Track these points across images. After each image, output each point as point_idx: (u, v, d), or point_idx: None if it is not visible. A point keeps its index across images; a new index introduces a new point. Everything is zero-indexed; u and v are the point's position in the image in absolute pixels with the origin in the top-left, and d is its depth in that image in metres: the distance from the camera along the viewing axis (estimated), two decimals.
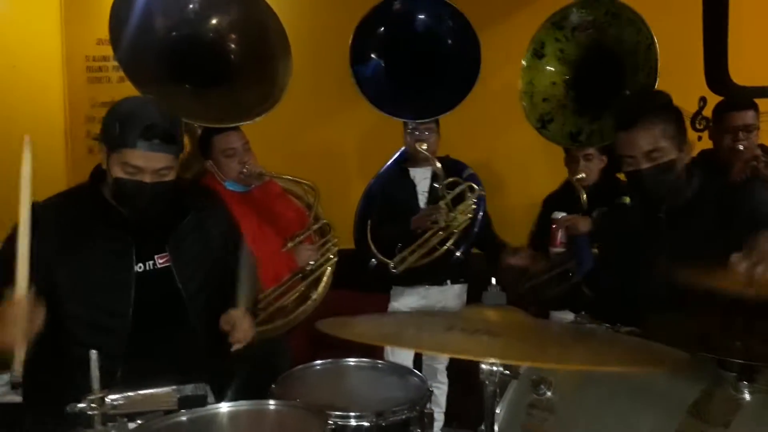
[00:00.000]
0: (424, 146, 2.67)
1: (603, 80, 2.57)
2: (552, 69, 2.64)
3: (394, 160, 2.93)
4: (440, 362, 2.83)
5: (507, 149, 3.44)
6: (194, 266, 1.70)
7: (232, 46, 2.58)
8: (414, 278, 2.73)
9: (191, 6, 2.53)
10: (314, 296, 2.45)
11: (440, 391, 2.86)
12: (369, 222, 2.77)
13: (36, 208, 1.59)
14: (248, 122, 2.40)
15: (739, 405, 1.14)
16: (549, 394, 1.19)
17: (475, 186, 2.73)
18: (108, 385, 1.24)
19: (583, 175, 2.58)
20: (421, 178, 2.80)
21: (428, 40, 2.80)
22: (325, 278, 2.49)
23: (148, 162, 1.53)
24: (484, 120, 3.41)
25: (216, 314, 1.69)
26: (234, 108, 2.42)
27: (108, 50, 4.05)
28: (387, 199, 2.79)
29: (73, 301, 1.58)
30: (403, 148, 2.86)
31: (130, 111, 1.55)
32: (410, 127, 2.71)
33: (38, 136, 4.37)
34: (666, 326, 1.21)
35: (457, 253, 2.70)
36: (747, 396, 1.16)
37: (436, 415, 2.77)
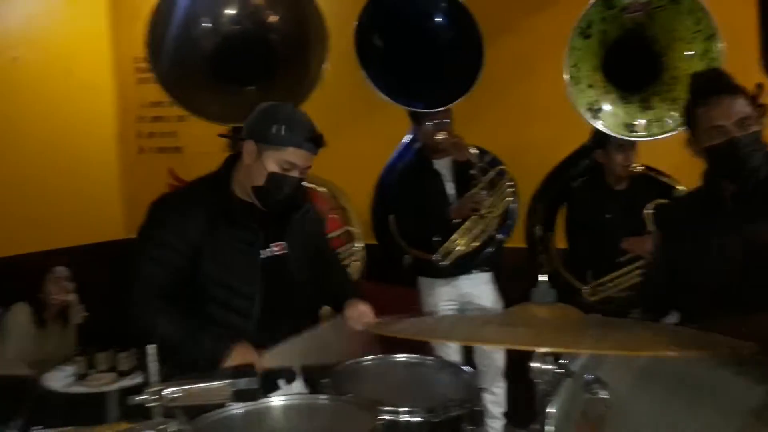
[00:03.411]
0: (442, 135, 2.68)
1: (638, 66, 2.51)
2: (594, 52, 2.56)
3: (407, 152, 2.91)
4: (497, 363, 2.81)
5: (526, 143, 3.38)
6: (304, 257, 1.86)
7: (272, 46, 2.60)
8: (443, 271, 2.72)
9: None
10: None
11: (499, 391, 2.84)
12: (391, 218, 2.75)
13: (181, 195, 1.85)
14: None
15: None
16: (603, 394, 1.17)
17: (505, 170, 2.71)
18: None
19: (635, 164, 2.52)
20: (445, 168, 2.79)
21: (426, 29, 2.82)
22: None
23: (303, 161, 1.70)
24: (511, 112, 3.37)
25: (313, 302, 1.88)
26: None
27: None
28: (413, 193, 2.76)
29: (215, 284, 1.71)
30: (405, 144, 2.88)
31: (291, 115, 1.73)
32: (427, 118, 2.70)
33: (91, 137, 4.56)
34: (733, 323, 1.17)
35: (500, 236, 2.71)
36: None
37: (498, 414, 2.82)
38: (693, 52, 2.43)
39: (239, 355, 1.58)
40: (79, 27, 4.11)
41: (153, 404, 1.26)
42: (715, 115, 1.62)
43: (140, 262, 1.68)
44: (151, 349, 1.28)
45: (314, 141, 1.70)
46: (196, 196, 1.76)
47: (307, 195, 2.00)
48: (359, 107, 3.30)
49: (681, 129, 2.40)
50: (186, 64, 2.50)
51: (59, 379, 2.81)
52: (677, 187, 2.56)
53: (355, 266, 2.50)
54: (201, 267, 1.70)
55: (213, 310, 1.72)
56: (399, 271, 2.81)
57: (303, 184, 1.82)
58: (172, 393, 1.28)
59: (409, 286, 2.90)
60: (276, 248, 1.79)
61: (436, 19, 2.86)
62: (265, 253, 1.77)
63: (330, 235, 2.45)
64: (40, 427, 1.48)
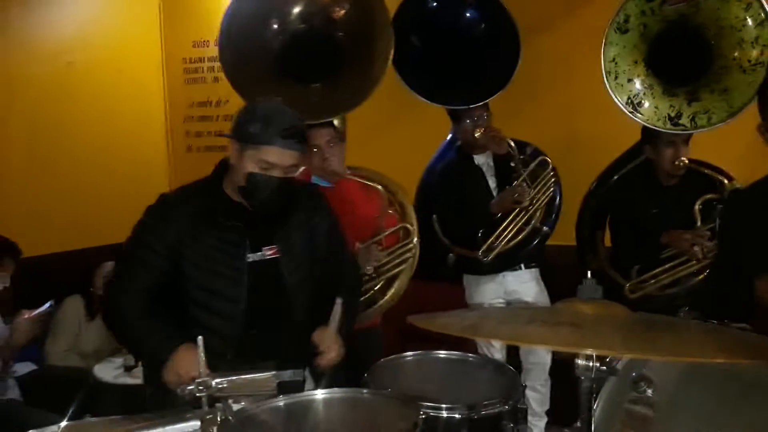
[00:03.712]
0: (480, 131, 2.66)
1: (687, 57, 2.43)
2: (634, 46, 2.49)
3: (448, 151, 2.90)
4: (543, 360, 2.78)
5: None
6: (299, 260, 1.79)
7: (338, 42, 2.60)
8: (488, 268, 2.69)
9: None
10: (381, 301, 2.42)
11: (544, 389, 2.82)
12: (435, 217, 2.73)
13: (167, 198, 1.78)
14: (332, 119, 2.44)
15: None
16: (649, 392, 1.14)
17: (547, 159, 2.66)
18: (219, 366, 1.34)
19: (686, 159, 2.45)
20: (486, 163, 2.77)
21: (460, 26, 2.80)
22: (396, 283, 2.45)
23: (282, 159, 1.64)
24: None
25: (316, 309, 1.77)
26: (324, 105, 2.46)
27: (203, 52, 4.38)
28: (455, 191, 2.75)
29: (196, 287, 1.71)
30: (446, 143, 2.87)
31: (270, 112, 1.66)
32: (465, 116, 2.69)
33: (142, 135, 4.73)
34: None
35: (545, 229, 2.66)
36: None
37: (541, 413, 2.80)
38: (743, 39, 2.33)
39: (180, 362, 1.57)
40: (130, 30, 4.26)
41: (201, 394, 1.29)
42: None
43: (123, 262, 1.72)
44: (200, 341, 1.31)
45: (293, 137, 1.63)
46: (184, 198, 1.75)
47: (320, 197, 1.94)
48: (399, 107, 3.31)
49: (730, 120, 2.35)
50: (254, 63, 2.54)
51: (109, 371, 2.93)
52: (727, 182, 2.48)
53: (409, 264, 2.49)
54: (183, 270, 1.69)
55: (196, 313, 1.70)
56: (444, 269, 2.80)
57: (306, 183, 1.80)
58: (219, 383, 1.32)
59: (454, 283, 2.89)
60: (268, 251, 1.74)
61: (470, 15, 2.85)
62: (254, 256, 1.72)
63: (387, 232, 2.45)
64: (92, 415, 1.54)
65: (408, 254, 2.46)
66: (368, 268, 2.36)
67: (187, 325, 1.69)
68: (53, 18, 3.82)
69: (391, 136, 3.64)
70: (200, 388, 1.28)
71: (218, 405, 1.31)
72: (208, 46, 4.27)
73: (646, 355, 1.13)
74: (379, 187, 2.41)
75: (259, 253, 1.73)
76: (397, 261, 2.45)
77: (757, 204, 1.68)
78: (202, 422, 1.27)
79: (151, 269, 1.70)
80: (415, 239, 2.49)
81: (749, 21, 2.30)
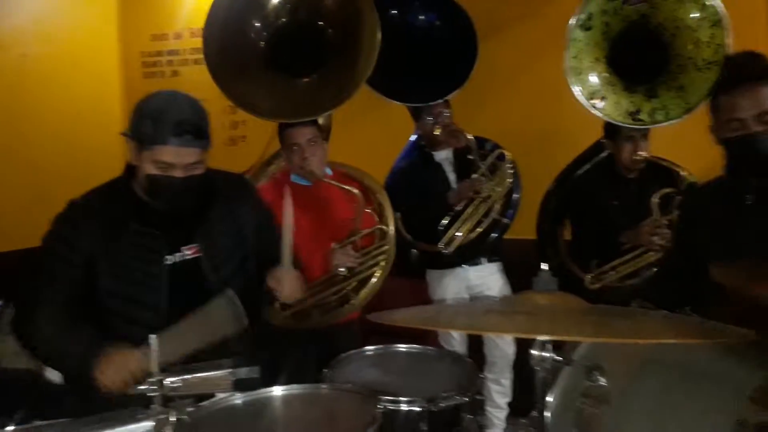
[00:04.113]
0: (438, 131, 2.68)
1: (646, 56, 2.47)
2: (596, 44, 2.53)
3: (411, 151, 2.91)
4: (507, 354, 2.81)
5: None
6: (225, 256, 1.70)
7: (324, 36, 2.55)
8: (450, 261, 2.71)
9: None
10: (353, 301, 2.40)
11: (507, 382, 2.84)
12: (397, 215, 2.73)
13: (75, 206, 1.66)
14: (314, 117, 2.40)
15: None
16: (603, 381, 1.16)
17: (505, 153, 2.70)
18: (143, 378, 1.27)
19: (644, 153, 2.49)
20: (445, 159, 2.79)
21: (416, 25, 2.81)
22: (370, 283, 2.43)
23: (179, 158, 1.54)
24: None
25: (253, 303, 1.69)
26: (307, 103, 2.42)
27: (162, 45, 4.29)
28: (417, 187, 2.76)
29: (113, 296, 1.62)
30: (410, 143, 2.87)
31: (160, 107, 1.55)
32: (425, 113, 2.71)
33: (98, 130, 4.59)
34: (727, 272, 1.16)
35: (504, 220, 2.69)
36: None
37: (503, 404, 2.82)
38: (698, 40, 2.40)
39: (110, 363, 1.48)
40: (86, 22, 4.13)
41: (154, 394, 1.26)
42: (736, 105, 1.56)
43: (34, 275, 1.61)
44: (153, 340, 1.28)
45: (188, 133, 1.52)
46: (93, 203, 1.65)
47: (244, 186, 1.87)
48: (366, 105, 3.30)
49: (686, 116, 2.41)
50: (239, 56, 2.47)
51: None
52: (683, 174, 2.54)
53: (383, 265, 2.47)
54: (98, 279, 1.60)
55: (115, 324, 1.61)
56: (408, 265, 2.80)
57: (218, 177, 1.69)
58: (173, 382, 1.29)
59: (418, 279, 2.90)
60: (188, 251, 1.65)
61: (427, 14, 2.85)
62: (173, 258, 1.63)
63: (362, 233, 2.42)
64: (41, 419, 1.49)
65: (383, 255, 2.45)
66: (342, 269, 2.35)
67: (105, 336, 1.58)
68: (7, 9, 3.68)
69: (358, 134, 3.63)
70: (153, 387, 1.25)
71: (172, 405, 1.28)
72: (167, 40, 4.18)
73: (599, 339, 1.15)
74: (356, 191, 2.38)
75: (179, 254, 1.65)
76: (372, 262, 2.44)
77: (714, 199, 1.72)
78: (155, 423, 1.24)
79: (65, 282, 1.60)
80: (392, 241, 2.47)
81: (704, 22, 2.36)
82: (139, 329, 1.54)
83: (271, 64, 2.52)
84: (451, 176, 2.77)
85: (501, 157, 2.70)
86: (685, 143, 2.67)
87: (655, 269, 2.43)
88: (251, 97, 2.43)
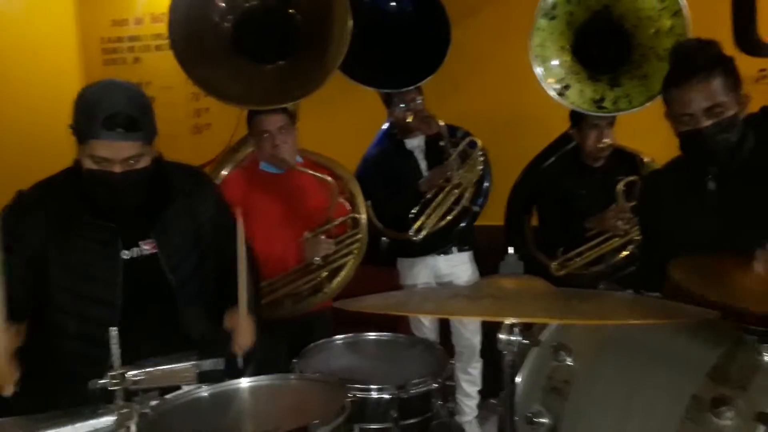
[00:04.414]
0: (410, 118, 2.67)
1: (609, 46, 2.51)
2: (561, 33, 2.56)
3: (383, 139, 2.89)
4: (473, 343, 2.82)
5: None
6: (184, 252, 1.66)
7: (293, 22, 2.51)
8: (420, 249, 2.71)
9: None
10: (326, 290, 2.38)
11: (475, 371, 2.87)
12: (368, 203, 2.72)
13: (23, 197, 1.60)
14: (284, 105, 2.36)
15: (758, 367, 1.12)
16: (569, 360, 1.18)
17: (476, 140, 2.70)
18: (100, 377, 1.22)
19: (609, 141, 2.52)
20: (417, 146, 2.78)
21: (389, 11, 2.80)
22: (343, 272, 2.42)
23: (113, 152, 1.48)
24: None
25: (213, 299, 1.67)
26: (277, 90, 2.38)
27: (122, 31, 4.17)
28: (388, 176, 2.74)
29: (63, 293, 1.56)
30: (382, 131, 2.85)
31: (92, 100, 1.49)
32: (397, 100, 2.69)
33: (58, 119, 4.41)
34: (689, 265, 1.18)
35: (474, 208, 2.69)
36: (767, 358, 1.13)
37: (473, 393, 2.84)
38: (659, 29, 2.43)
39: None
40: (43, 8, 4.00)
41: (115, 388, 1.23)
42: (685, 101, 1.56)
43: None
44: (113, 332, 1.24)
45: (120, 126, 1.45)
46: (44, 195, 1.59)
47: (202, 180, 1.81)
48: (337, 91, 3.26)
49: (649, 104, 2.45)
50: (206, 41, 2.40)
51: None
52: (646, 161, 2.57)
53: (356, 253, 2.45)
54: (48, 273, 1.53)
55: (65, 322, 1.55)
56: (378, 254, 2.79)
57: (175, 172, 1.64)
58: (135, 376, 1.26)
59: (388, 267, 2.89)
60: (146, 246, 1.59)
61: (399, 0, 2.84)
62: (131, 253, 1.58)
63: (336, 222, 2.40)
64: None
65: (356, 244, 2.44)
66: (316, 259, 2.33)
67: (54, 337, 1.53)
68: None
69: (329, 122, 3.59)
70: (114, 381, 1.22)
71: (135, 399, 1.25)
72: (127, 25, 4.06)
73: (565, 321, 1.16)
74: (329, 178, 2.35)
75: (136, 248, 1.59)
76: (345, 251, 2.42)
77: (676, 185, 1.74)
78: (116, 418, 1.20)
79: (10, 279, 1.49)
80: (364, 229, 2.46)
81: (665, 12, 2.40)
82: (94, 327, 1.50)
83: (238, 49, 2.47)
84: (423, 164, 2.76)
85: (472, 145, 2.70)
86: (651, 130, 2.72)
87: (619, 255, 2.47)
88: (219, 84, 2.38)
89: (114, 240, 1.58)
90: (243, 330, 1.55)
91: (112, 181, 1.51)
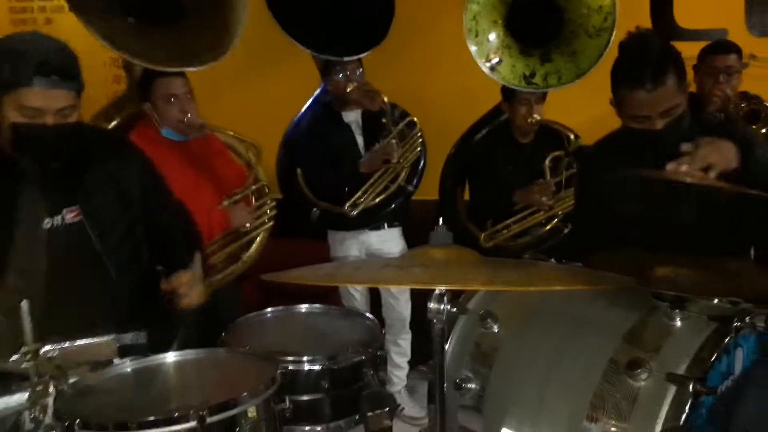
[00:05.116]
0: (352, 86, 2.63)
1: (541, 21, 2.56)
2: (493, 7, 2.59)
3: (315, 106, 2.86)
4: (403, 315, 2.86)
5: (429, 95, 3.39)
6: (111, 219, 1.60)
7: None
8: (352, 223, 2.71)
9: None
10: (245, 257, 2.37)
11: (405, 342, 2.91)
12: (299, 171, 2.70)
13: None
14: (194, 69, 2.26)
15: (670, 331, 1.20)
16: (495, 328, 1.21)
17: (415, 120, 2.71)
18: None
19: (537, 117, 2.58)
20: (354, 120, 2.76)
21: None
22: (258, 240, 2.41)
23: (47, 101, 1.40)
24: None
25: (143, 265, 1.63)
26: (182, 51, 2.27)
27: None
28: (322, 146, 2.71)
29: None
30: (315, 99, 2.82)
31: (20, 47, 1.40)
32: (338, 67, 2.65)
33: None
34: (606, 260, 1.24)
35: (410, 188, 2.71)
36: (678, 323, 1.22)
37: (402, 364, 2.89)
38: (590, 6, 2.50)
39: None
40: None
41: (28, 364, 1.16)
42: (640, 104, 1.55)
43: None
44: (25, 305, 1.17)
45: (55, 73, 1.38)
46: None
47: (124, 145, 1.75)
48: (269, 53, 3.17)
49: (578, 80, 2.52)
50: None
51: None
52: (573, 139, 2.64)
53: (268, 223, 2.42)
54: None
55: None
56: (307, 224, 2.77)
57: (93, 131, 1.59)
58: (50, 352, 1.19)
59: (317, 239, 2.87)
60: (69, 214, 1.52)
61: None
62: (54, 221, 1.51)
63: (249, 189, 2.36)
64: None
65: (268, 213, 2.41)
66: (247, 225, 2.31)
67: None
68: None
69: (246, 91, 3.50)
70: (27, 357, 1.15)
71: (50, 375, 1.18)
72: None
73: (493, 287, 1.18)
74: (250, 140, 2.33)
75: (58, 216, 1.52)
76: (258, 222, 2.39)
77: (616, 156, 1.75)
78: (30, 395, 1.14)
79: None
80: (271, 202, 2.43)
81: None
82: (12, 298, 1.37)
83: (126, 8, 2.32)
84: (360, 139, 2.74)
85: (410, 125, 2.70)
86: (579, 105, 2.81)
87: (544, 228, 2.56)
88: (121, 40, 2.22)
89: (34, 208, 1.50)
90: (198, 288, 1.56)
91: (44, 134, 1.42)
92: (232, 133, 2.35)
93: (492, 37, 2.61)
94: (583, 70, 2.52)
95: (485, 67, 2.58)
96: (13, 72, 1.37)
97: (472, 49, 2.57)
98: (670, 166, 1.38)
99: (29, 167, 1.49)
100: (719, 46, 2.74)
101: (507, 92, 2.64)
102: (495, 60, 2.58)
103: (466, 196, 2.92)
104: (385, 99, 2.65)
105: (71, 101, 1.44)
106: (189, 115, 2.21)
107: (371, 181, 2.65)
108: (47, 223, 1.51)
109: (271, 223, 2.43)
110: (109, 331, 1.22)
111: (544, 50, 2.61)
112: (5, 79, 1.38)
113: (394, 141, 2.65)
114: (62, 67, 1.40)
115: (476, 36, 2.57)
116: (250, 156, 2.42)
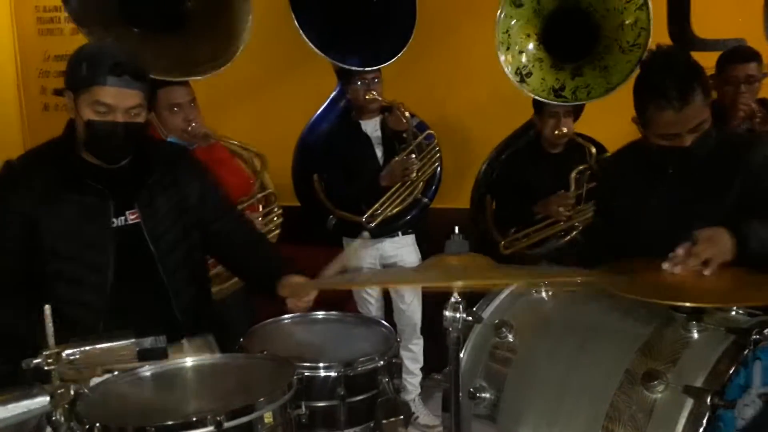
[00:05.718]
0: (372, 95, 2.67)
1: (577, 36, 2.56)
2: (528, 20, 2.60)
3: (331, 111, 2.89)
4: (414, 320, 2.87)
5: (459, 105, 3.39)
6: (167, 224, 1.67)
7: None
8: (370, 232, 2.71)
9: None
10: None
11: (417, 348, 2.91)
12: (315, 177, 2.72)
13: (13, 166, 1.61)
14: (197, 78, 2.32)
15: (686, 343, 1.19)
16: (510, 337, 1.21)
17: (433, 133, 2.74)
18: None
19: (566, 130, 2.57)
20: (373, 130, 2.78)
21: None
22: None
23: (119, 99, 1.51)
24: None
25: (196, 272, 1.72)
26: (184, 61, 2.32)
27: (59, 0, 3.94)
28: (341, 155, 2.74)
29: (58, 259, 1.57)
30: (331, 100, 2.86)
31: (97, 50, 1.56)
32: (357, 76, 2.68)
33: None
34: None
35: (425, 200, 2.75)
36: (695, 335, 1.20)
37: (415, 370, 2.89)
38: (624, 22, 2.50)
39: None
40: None
41: (50, 368, 1.18)
42: (669, 125, 1.53)
43: None
44: (48, 310, 1.20)
45: (127, 73, 1.50)
46: (34, 163, 1.61)
47: (186, 154, 1.84)
48: (286, 60, 3.20)
49: (607, 95, 2.52)
50: (100, 10, 2.31)
51: None
52: (594, 153, 2.61)
53: (275, 232, 2.44)
54: (41, 240, 1.56)
55: (60, 288, 1.57)
56: (322, 231, 2.79)
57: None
58: (71, 355, 1.21)
59: (333, 246, 2.89)
60: (131, 216, 1.62)
61: None
62: (119, 221, 1.61)
63: (256, 197, 2.37)
64: None
65: (275, 221, 2.44)
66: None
67: (47, 301, 1.52)
68: None
69: (273, 91, 3.54)
70: (48, 360, 1.17)
71: (71, 379, 1.20)
72: None
73: (505, 281, 1.18)
74: (259, 152, 2.34)
75: (123, 217, 1.62)
76: (265, 229, 2.41)
77: (628, 166, 1.77)
78: (51, 398, 1.16)
79: (6, 250, 1.56)
80: (278, 210, 2.45)
81: (631, 5, 2.46)
82: (89, 293, 1.56)
83: (130, 18, 2.38)
84: (378, 151, 2.77)
85: (429, 138, 2.73)
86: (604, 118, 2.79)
87: (561, 241, 2.55)
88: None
89: (105, 206, 1.59)
90: (306, 294, 1.62)
91: (115, 131, 1.52)
92: (236, 143, 2.38)
93: (524, 50, 2.63)
94: (614, 84, 2.52)
95: (513, 79, 2.59)
96: (90, 71, 1.49)
97: (503, 61, 2.59)
98: (665, 266, 1.35)
99: (100, 167, 1.59)
100: (739, 55, 2.70)
101: (537, 105, 2.65)
102: (525, 72, 2.60)
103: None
104: (407, 113, 2.68)
105: (140, 101, 1.55)
106: (193, 124, 2.24)
107: (389, 193, 2.69)
108: (114, 222, 1.60)
109: (278, 231, 2.45)
110: (129, 335, 1.23)
111: (577, 64, 2.61)
112: (83, 77, 1.50)
113: (414, 155, 2.68)
114: (134, 68, 1.52)
115: (507, 49, 2.59)
116: (256, 164, 2.45)
